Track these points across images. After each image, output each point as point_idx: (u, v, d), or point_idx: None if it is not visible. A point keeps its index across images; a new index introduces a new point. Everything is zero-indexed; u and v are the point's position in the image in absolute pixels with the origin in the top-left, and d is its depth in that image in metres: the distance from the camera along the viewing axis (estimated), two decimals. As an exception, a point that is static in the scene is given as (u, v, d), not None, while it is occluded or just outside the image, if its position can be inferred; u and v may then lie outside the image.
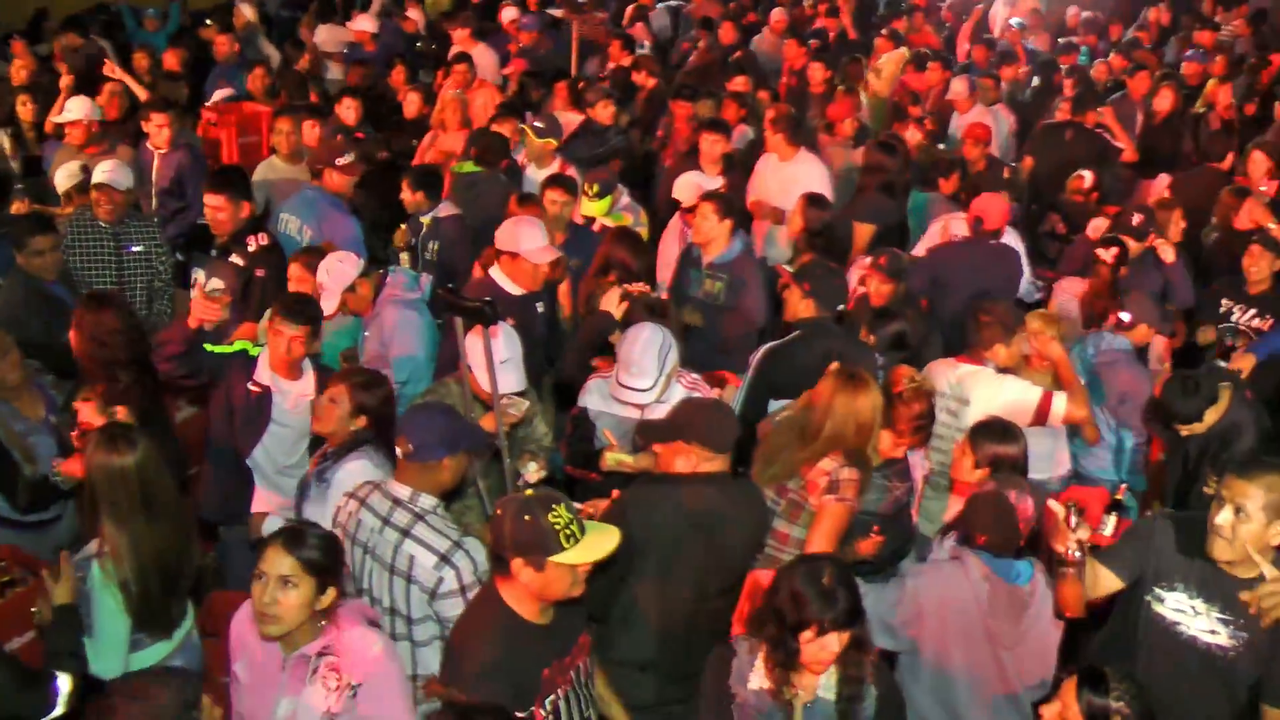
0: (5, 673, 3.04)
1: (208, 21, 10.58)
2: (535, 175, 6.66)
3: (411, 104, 8.39)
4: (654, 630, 3.43)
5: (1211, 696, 3.22)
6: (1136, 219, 5.92)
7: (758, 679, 2.91)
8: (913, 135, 7.76)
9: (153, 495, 3.42)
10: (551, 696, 2.89)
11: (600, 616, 3.41)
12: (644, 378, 4.02)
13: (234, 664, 3.04)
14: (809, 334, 4.60)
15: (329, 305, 4.72)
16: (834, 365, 3.90)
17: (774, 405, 4.49)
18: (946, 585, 3.42)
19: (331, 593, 2.85)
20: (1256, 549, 3.04)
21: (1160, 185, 7.01)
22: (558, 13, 11.09)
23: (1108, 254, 5.51)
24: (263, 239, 5.48)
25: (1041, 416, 4.41)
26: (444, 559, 3.19)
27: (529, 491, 2.96)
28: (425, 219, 5.98)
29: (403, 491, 3.33)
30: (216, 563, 4.61)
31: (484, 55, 9.55)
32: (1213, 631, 3.17)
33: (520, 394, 4.10)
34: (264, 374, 4.31)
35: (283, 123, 6.79)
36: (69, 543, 3.99)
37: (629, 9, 12.09)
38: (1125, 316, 5.10)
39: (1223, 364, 5.20)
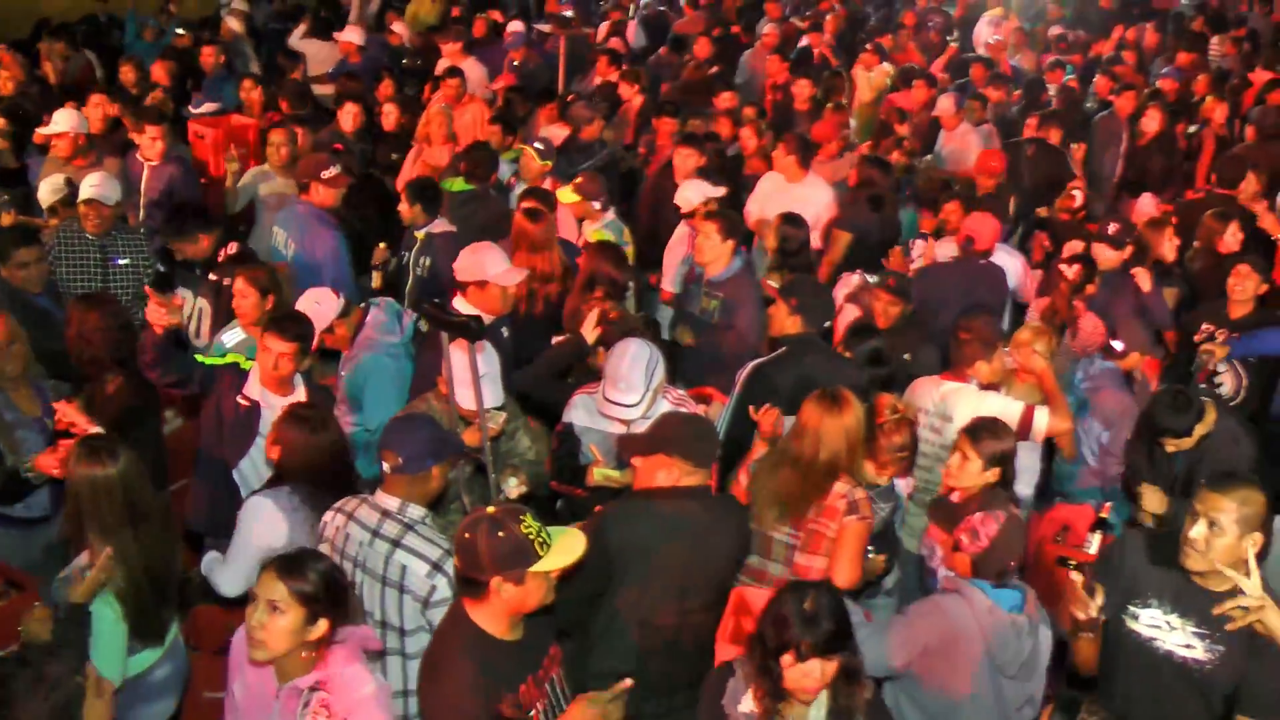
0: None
1: (179, 31, 10.51)
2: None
3: (389, 116, 8.21)
4: (634, 643, 3.43)
5: (1189, 710, 3.24)
6: (1113, 228, 5.87)
7: (749, 703, 2.90)
8: (896, 156, 7.81)
9: (137, 505, 3.42)
10: (530, 711, 2.89)
11: (572, 629, 3.41)
12: (631, 393, 4.03)
13: (231, 683, 3.03)
14: (795, 350, 4.60)
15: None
16: (815, 392, 3.88)
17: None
18: (953, 621, 3.33)
19: (323, 625, 2.78)
20: (1229, 563, 3.06)
21: (1146, 205, 7.01)
22: (546, 28, 11.12)
23: (1070, 270, 5.48)
24: (232, 248, 5.48)
25: (1024, 431, 4.41)
26: (436, 567, 3.21)
27: (490, 509, 2.88)
28: (419, 233, 5.94)
29: (391, 503, 3.35)
30: (201, 575, 4.59)
31: (473, 69, 9.49)
32: (1188, 645, 3.19)
33: (499, 408, 4.12)
34: (254, 388, 4.32)
35: (276, 135, 6.78)
36: (58, 543, 3.95)
37: (603, 25, 12.09)
38: (1117, 345, 5.11)
39: (1203, 386, 5.22)
